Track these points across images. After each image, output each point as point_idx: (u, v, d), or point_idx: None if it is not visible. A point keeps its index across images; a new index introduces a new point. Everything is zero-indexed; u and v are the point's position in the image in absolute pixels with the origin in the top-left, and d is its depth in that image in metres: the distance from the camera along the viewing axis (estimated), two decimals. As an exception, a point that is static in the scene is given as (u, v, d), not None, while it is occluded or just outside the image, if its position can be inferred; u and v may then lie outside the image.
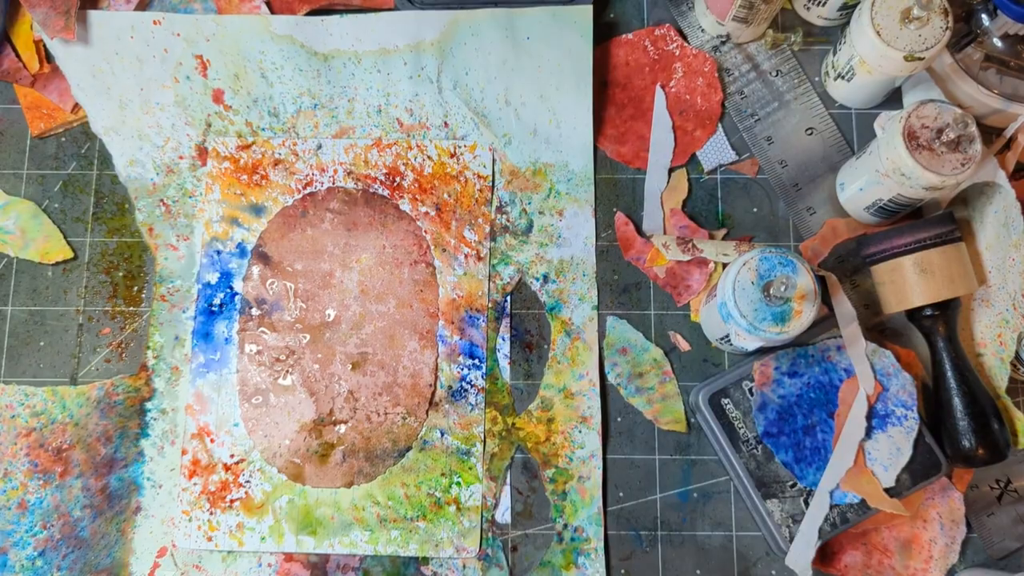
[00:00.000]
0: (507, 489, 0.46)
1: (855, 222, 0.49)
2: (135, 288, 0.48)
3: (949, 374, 0.44)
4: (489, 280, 0.48)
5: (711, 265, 0.48)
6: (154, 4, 0.51)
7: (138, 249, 0.49)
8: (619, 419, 0.47)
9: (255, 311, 0.47)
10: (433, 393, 0.47)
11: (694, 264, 0.48)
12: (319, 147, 0.49)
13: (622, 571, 0.46)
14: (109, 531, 0.45)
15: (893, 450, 0.44)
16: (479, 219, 0.49)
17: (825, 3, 0.50)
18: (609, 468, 0.47)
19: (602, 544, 0.45)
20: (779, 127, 0.50)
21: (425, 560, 0.45)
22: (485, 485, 0.46)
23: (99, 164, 0.50)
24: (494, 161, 0.49)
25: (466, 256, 0.48)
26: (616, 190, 0.50)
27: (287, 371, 0.47)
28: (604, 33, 0.51)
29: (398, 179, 0.49)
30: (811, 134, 0.50)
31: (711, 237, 0.49)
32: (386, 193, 0.49)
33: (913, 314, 0.46)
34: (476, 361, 0.47)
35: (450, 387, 0.47)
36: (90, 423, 0.46)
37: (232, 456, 0.46)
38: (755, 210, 0.50)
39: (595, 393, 0.47)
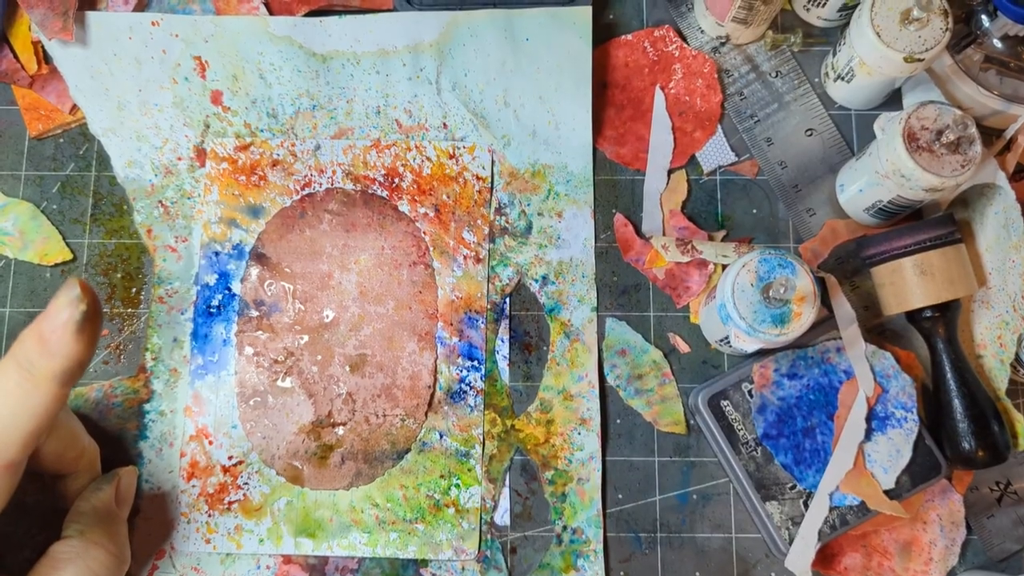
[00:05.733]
0: (506, 491, 0.46)
1: (855, 223, 0.49)
2: (133, 290, 0.48)
3: (949, 376, 0.44)
4: (488, 281, 0.48)
5: (710, 267, 0.48)
6: (152, 5, 0.51)
7: (136, 251, 0.49)
8: (618, 421, 0.47)
9: (253, 313, 0.47)
10: (432, 395, 0.47)
11: (693, 266, 0.48)
12: (317, 148, 0.49)
13: (621, 573, 0.46)
14: (107, 533, 0.45)
15: (893, 452, 0.44)
16: (478, 220, 0.49)
17: (825, 4, 0.49)
18: (608, 470, 0.47)
19: (601, 546, 0.45)
20: (779, 128, 0.50)
21: (424, 562, 0.45)
22: (484, 487, 0.46)
23: (97, 165, 0.50)
24: (493, 162, 0.49)
25: (465, 257, 0.48)
26: (615, 191, 0.50)
27: (285, 373, 0.47)
28: (603, 34, 0.51)
29: (397, 180, 0.49)
30: (811, 135, 0.50)
31: (710, 238, 0.49)
32: (385, 194, 0.49)
33: (913, 316, 0.46)
34: (475, 363, 0.47)
35: (449, 389, 0.47)
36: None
37: (230, 458, 0.46)
38: (754, 211, 0.50)
39: (594, 395, 0.47)
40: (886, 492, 0.43)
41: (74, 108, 0.50)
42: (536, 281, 0.48)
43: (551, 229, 0.49)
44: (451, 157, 0.49)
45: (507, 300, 0.48)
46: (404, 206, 0.49)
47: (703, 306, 0.47)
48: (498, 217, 0.49)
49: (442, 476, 0.46)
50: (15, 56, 0.50)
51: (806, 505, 0.44)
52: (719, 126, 0.50)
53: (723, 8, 0.48)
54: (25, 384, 0.30)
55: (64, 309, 0.29)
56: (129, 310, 0.48)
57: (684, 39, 0.51)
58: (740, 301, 0.40)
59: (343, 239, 0.48)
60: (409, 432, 0.46)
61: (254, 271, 0.48)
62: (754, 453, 0.44)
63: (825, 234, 0.49)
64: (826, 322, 0.46)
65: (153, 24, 0.49)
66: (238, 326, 0.47)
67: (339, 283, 0.48)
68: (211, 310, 0.47)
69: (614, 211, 0.50)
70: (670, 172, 0.50)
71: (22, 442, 0.31)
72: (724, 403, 0.45)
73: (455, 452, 0.46)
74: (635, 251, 0.49)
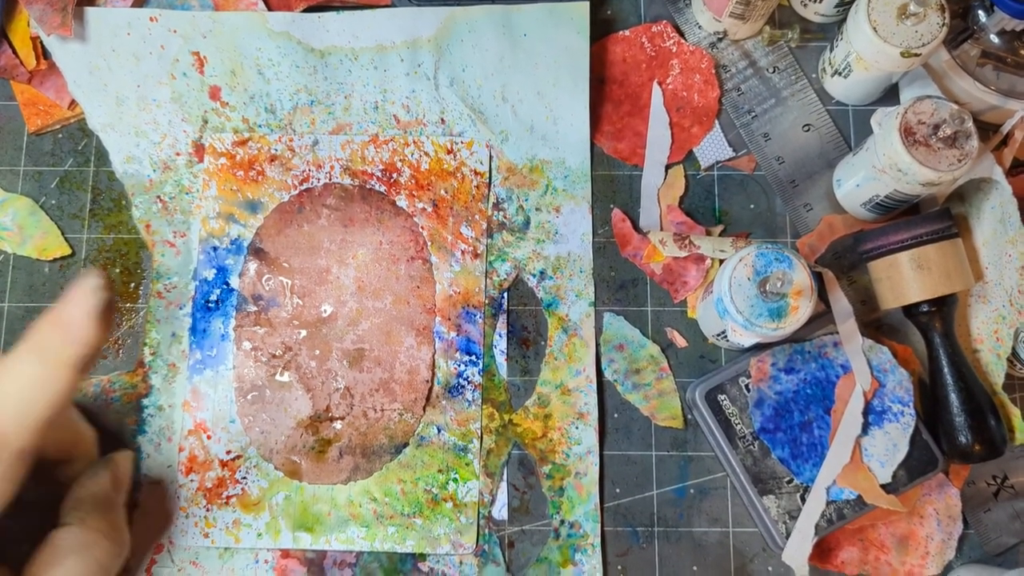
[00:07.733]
0: (504, 485, 0.46)
1: (852, 218, 0.49)
2: (132, 285, 0.48)
3: (946, 370, 0.44)
4: (486, 276, 0.48)
5: (708, 261, 0.48)
6: (151, 1, 0.51)
7: (135, 246, 0.49)
8: (616, 415, 0.47)
9: (251, 307, 0.47)
10: (430, 389, 0.47)
11: (691, 260, 0.48)
12: (315, 143, 0.49)
13: (619, 567, 0.46)
14: (106, 527, 0.45)
15: (890, 446, 0.44)
16: (476, 215, 0.49)
17: (822, 0, 0.50)
18: (606, 464, 0.47)
19: (599, 540, 0.45)
20: (776, 123, 0.50)
21: (422, 556, 0.45)
22: (482, 481, 0.46)
23: (96, 161, 0.50)
24: (491, 158, 0.49)
25: (463, 252, 0.48)
26: (613, 186, 0.50)
27: (283, 367, 0.47)
28: (601, 30, 0.51)
29: (395, 175, 0.49)
30: (808, 130, 0.50)
31: (708, 233, 0.49)
32: (383, 189, 0.49)
33: (910, 310, 0.46)
34: (473, 357, 0.47)
35: (447, 383, 0.47)
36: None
37: (229, 452, 0.46)
38: (752, 206, 0.50)
39: (592, 389, 0.47)
40: (883, 486, 0.44)
41: (73, 103, 0.50)
42: (534, 276, 0.48)
43: (549, 224, 0.49)
44: (449, 152, 0.49)
45: (505, 295, 0.48)
46: (402, 201, 0.49)
47: (700, 300, 0.47)
48: (496, 212, 0.49)
49: (440, 470, 0.46)
50: (14, 51, 0.50)
51: (803, 499, 0.44)
52: (716, 122, 0.51)
53: (720, 4, 0.48)
54: (43, 371, 0.30)
55: (87, 296, 0.30)
56: (127, 305, 0.48)
57: (682, 35, 0.51)
58: (737, 295, 0.40)
59: (341, 234, 0.48)
60: (407, 426, 0.46)
61: (252, 266, 0.48)
62: (751, 447, 0.45)
63: (822, 229, 0.49)
64: (823, 316, 0.46)
65: (151, 20, 0.49)
66: (236, 321, 0.47)
67: (337, 278, 0.48)
68: (209, 305, 0.47)
69: (612, 206, 0.50)
70: (668, 167, 0.50)
71: (36, 428, 0.31)
72: (721, 397, 0.45)
73: (453, 446, 0.46)
74: (633, 246, 0.49)
